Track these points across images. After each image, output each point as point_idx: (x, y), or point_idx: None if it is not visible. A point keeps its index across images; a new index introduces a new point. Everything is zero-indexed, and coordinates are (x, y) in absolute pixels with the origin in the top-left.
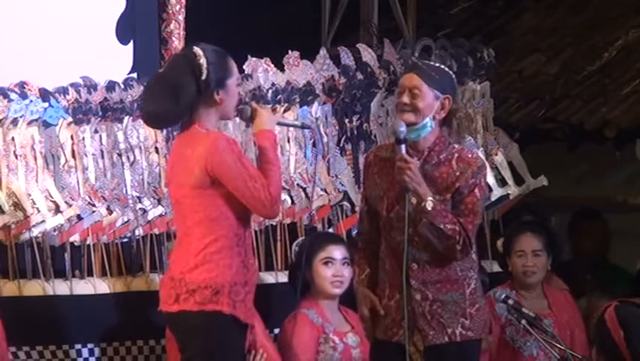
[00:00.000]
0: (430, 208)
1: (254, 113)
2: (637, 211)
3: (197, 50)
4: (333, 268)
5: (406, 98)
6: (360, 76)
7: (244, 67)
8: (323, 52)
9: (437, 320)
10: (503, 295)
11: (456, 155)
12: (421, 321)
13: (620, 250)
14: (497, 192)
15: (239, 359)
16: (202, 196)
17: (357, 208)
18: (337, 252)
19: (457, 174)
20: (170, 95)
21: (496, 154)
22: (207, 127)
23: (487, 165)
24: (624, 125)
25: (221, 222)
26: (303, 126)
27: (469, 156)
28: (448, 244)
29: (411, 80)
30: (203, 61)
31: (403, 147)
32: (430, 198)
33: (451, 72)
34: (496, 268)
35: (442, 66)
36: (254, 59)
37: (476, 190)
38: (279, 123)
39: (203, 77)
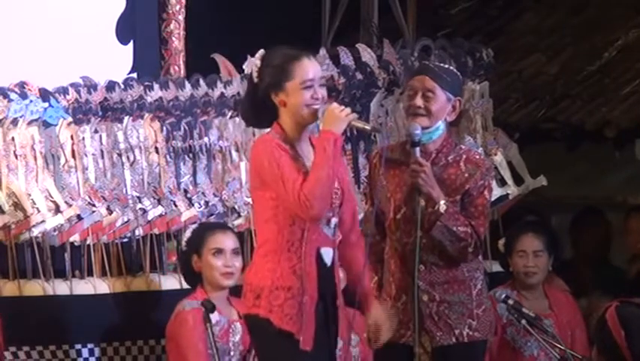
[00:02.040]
0: (443, 211)
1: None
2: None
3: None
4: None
5: (419, 101)
6: (359, 76)
7: (244, 67)
8: (323, 52)
9: (444, 321)
10: (503, 295)
11: (464, 156)
12: (429, 322)
13: (621, 250)
14: (497, 192)
15: None
16: (257, 199)
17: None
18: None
19: (466, 175)
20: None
21: (496, 154)
22: (280, 129)
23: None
24: (624, 125)
25: (270, 226)
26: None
27: (477, 157)
28: (460, 246)
29: (424, 82)
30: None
31: (418, 149)
32: (443, 200)
33: (458, 73)
34: (495, 268)
35: (451, 67)
36: (254, 58)
37: (485, 192)
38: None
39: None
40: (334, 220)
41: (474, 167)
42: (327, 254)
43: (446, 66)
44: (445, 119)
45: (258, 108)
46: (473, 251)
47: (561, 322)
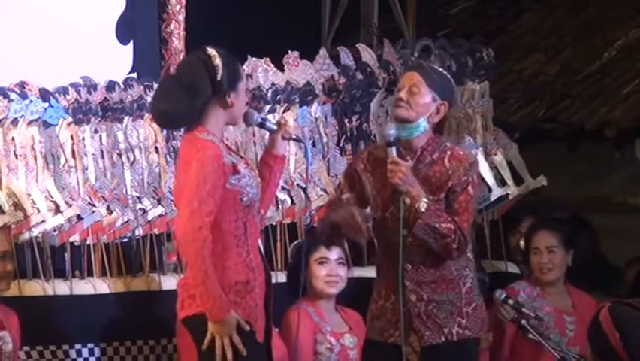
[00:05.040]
0: (423, 209)
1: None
2: (637, 211)
3: (211, 51)
4: (328, 268)
5: (403, 94)
6: (359, 76)
7: (244, 67)
8: (323, 52)
9: (433, 320)
10: (503, 296)
11: (448, 153)
12: (417, 322)
13: (620, 250)
14: (497, 192)
15: (248, 356)
16: None
17: None
18: (331, 252)
19: (450, 172)
20: (184, 95)
21: (496, 154)
22: (209, 130)
23: (486, 163)
24: (624, 125)
25: (217, 225)
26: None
27: (461, 153)
28: (443, 243)
29: (412, 77)
30: (218, 62)
31: (394, 149)
32: (424, 199)
33: (451, 79)
34: (495, 268)
35: (445, 72)
36: (254, 59)
37: (469, 188)
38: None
39: (218, 77)
40: (262, 210)
41: (457, 163)
42: (260, 244)
43: (440, 69)
44: (428, 120)
45: (203, 108)
46: (458, 248)
47: (584, 321)
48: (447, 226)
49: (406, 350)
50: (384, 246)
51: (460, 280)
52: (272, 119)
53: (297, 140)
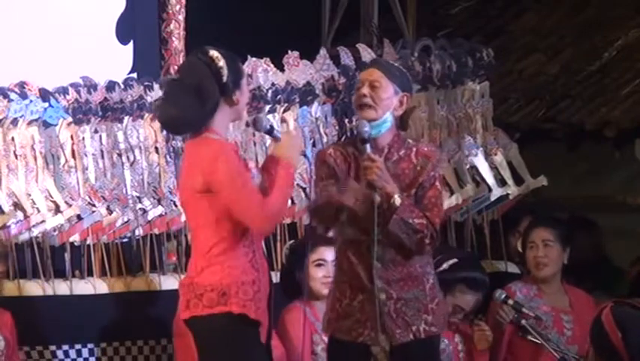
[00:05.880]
0: (398, 204)
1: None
2: (637, 211)
3: (213, 52)
4: (325, 270)
5: (366, 90)
6: (359, 76)
7: (244, 67)
8: (323, 52)
9: (402, 318)
10: (503, 296)
11: (414, 149)
12: (387, 320)
13: (620, 251)
14: (497, 192)
15: (255, 356)
16: (204, 200)
17: None
18: (328, 253)
19: (418, 168)
20: (193, 100)
21: (496, 154)
22: (217, 131)
23: (487, 163)
24: (624, 125)
25: (224, 225)
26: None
27: (426, 149)
28: (417, 238)
29: (371, 73)
30: (222, 63)
31: (368, 146)
32: (398, 194)
33: (408, 73)
34: (495, 268)
35: (400, 67)
36: (254, 59)
37: (437, 183)
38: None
39: (224, 79)
40: None
41: (425, 159)
42: (263, 245)
43: (395, 63)
44: (392, 113)
45: (212, 110)
46: (429, 243)
47: (582, 320)
48: (419, 221)
49: (376, 350)
50: (349, 244)
51: (424, 277)
52: (272, 119)
53: (302, 155)
